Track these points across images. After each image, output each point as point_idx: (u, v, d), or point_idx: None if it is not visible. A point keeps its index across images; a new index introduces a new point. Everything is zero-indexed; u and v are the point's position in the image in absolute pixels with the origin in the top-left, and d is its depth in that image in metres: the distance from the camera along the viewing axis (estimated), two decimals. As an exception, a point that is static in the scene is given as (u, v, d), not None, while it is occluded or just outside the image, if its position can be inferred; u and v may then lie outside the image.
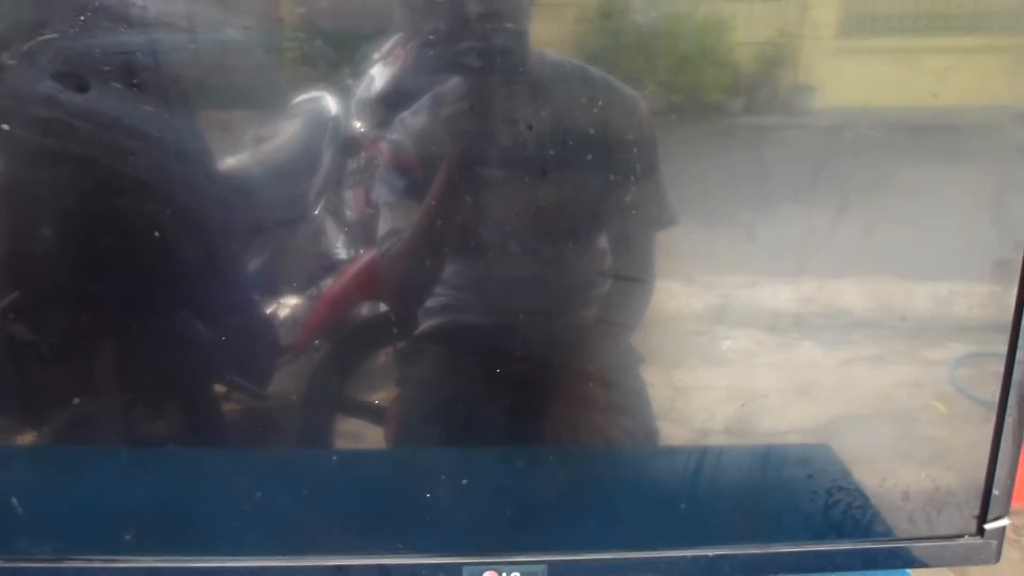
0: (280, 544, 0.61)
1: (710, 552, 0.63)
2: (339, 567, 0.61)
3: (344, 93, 0.53)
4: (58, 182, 0.53)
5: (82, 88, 0.51)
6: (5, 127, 0.52)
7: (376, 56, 0.53)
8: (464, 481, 0.60)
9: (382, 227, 0.57)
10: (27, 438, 0.59)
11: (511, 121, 0.54)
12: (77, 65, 0.51)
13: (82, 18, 0.50)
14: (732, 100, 0.56)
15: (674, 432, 0.63)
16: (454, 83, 0.54)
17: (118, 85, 0.51)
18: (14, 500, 0.59)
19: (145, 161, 0.53)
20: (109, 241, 0.54)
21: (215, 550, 0.61)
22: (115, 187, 0.53)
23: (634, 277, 0.61)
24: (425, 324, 0.60)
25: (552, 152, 0.55)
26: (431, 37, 0.52)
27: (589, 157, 0.55)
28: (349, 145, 0.55)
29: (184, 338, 0.58)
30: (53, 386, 0.57)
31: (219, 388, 0.60)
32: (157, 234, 0.54)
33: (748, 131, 0.56)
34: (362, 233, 0.57)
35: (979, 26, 0.56)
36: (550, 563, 0.62)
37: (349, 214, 0.57)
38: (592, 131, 0.55)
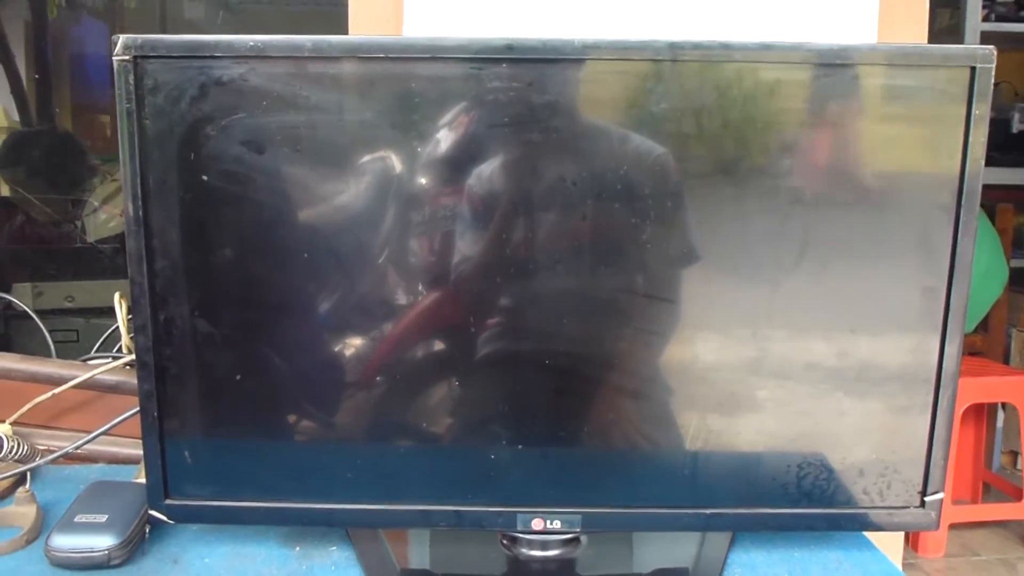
0: (383, 494, 0.81)
1: (707, 511, 0.81)
2: (424, 511, 0.81)
3: (427, 152, 0.74)
4: (238, 217, 0.75)
5: (260, 151, 0.73)
6: (204, 178, 0.74)
7: (443, 122, 0.74)
8: (519, 447, 0.79)
9: (456, 256, 0.77)
10: (200, 405, 0.79)
11: (558, 175, 0.74)
12: (258, 135, 0.73)
13: (264, 103, 0.72)
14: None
15: (681, 422, 0.81)
16: (511, 143, 0.74)
17: (286, 149, 0.73)
18: (187, 454, 0.79)
19: (301, 202, 0.75)
20: (273, 259, 0.76)
21: (336, 498, 0.81)
22: (279, 221, 0.75)
23: (666, 298, 0.80)
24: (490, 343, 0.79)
25: (591, 201, 0.75)
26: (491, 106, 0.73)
27: (626, 201, 0.75)
28: (438, 190, 0.76)
29: (319, 338, 0.79)
30: (222, 365, 0.78)
31: (333, 382, 0.81)
32: (306, 255, 0.75)
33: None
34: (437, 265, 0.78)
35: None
36: (584, 514, 0.81)
37: (427, 251, 0.77)
38: (626, 182, 0.75)
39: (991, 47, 0.73)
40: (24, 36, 2.92)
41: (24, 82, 2.59)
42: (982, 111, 0.74)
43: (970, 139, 0.75)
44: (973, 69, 0.74)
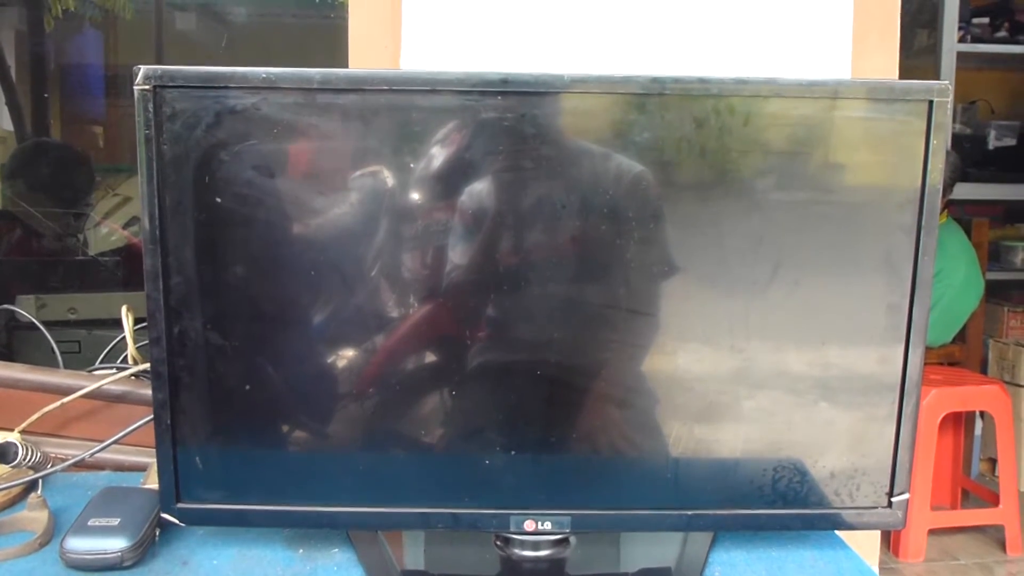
0: (383, 498, 0.86)
1: (688, 512, 0.86)
2: (422, 513, 0.85)
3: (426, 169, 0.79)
4: (249, 237, 0.80)
5: (271, 175, 0.78)
6: (218, 200, 0.79)
7: (436, 139, 0.79)
8: (512, 452, 0.84)
9: (448, 265, 0.82)
10: (211, 414, 0.84)
11: (547, 196, 0.80)
12: (268, 160, 0.78)
13: (274, 131, 0.77)
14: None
15: (665, 428, 0.87)
16: (503, 167, 0.79)
17: (294, 173, 0.79)
18: (198, 460, 0.84)
19: (308, 223, 0.80)
20: (281, 276, 0.81)
21: (339, 501, 0.85)
22: (287, 240, 0.80)
23: (646, 312, 0.85)
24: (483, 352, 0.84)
25: (577, 217, 0.80)
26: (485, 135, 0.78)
27: (608, 218, 0.80)
28: (435, 210, 0.81)
29: (323, 351, 0.83)
30: (232, 376, 0.83)
31: (334, 390, 0.86)
32: (312, 273, 0.80)
33: (713, 210, 0.82)
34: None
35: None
36: (573, 515, 0.85)
37: (423, 267, 0.82)
38: (608, 197, 0.80)
39: (947, 82, 0.79)
40: (15, 46, 2.95)
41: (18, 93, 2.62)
42: (939, 141, 0.80)
43: (928, 166, 0.80)
44: (931, 103, 0.79)
